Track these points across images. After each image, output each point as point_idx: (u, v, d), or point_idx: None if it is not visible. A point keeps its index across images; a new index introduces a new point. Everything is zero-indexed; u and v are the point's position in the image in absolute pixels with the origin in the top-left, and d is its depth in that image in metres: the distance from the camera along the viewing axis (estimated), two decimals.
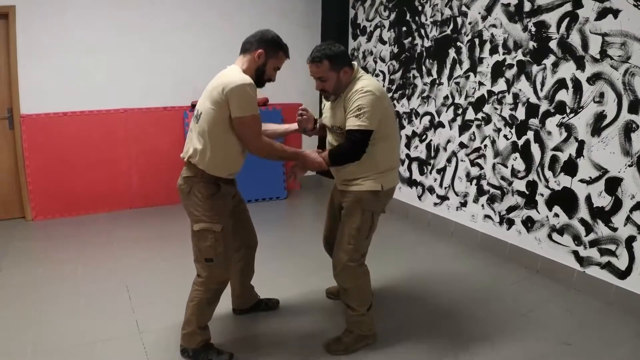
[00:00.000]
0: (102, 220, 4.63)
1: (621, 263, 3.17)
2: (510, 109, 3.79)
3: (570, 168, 3.41)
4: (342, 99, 2.49)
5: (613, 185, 3.16)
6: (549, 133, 3.52)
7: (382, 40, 5.07)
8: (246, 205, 2.78)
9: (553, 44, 3.41)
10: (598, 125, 3.20)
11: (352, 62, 2.50)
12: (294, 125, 2.79)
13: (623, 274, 3.16)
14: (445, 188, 4.50)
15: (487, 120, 4.00)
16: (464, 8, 4.07)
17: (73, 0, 4.37)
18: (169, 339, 2.70)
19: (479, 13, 3.94)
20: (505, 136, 3.87)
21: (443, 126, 4.44)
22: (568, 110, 3.38)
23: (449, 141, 4.41)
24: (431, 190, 4.67)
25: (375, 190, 2.53)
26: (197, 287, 2.47)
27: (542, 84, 3.52)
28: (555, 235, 3.57)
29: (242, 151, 2.44)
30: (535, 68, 3.56)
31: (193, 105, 4.91)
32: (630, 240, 3.10)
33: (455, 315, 3.08)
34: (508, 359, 2.64)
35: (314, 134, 2.88)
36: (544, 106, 3.53)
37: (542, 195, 3.63)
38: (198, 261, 2.45)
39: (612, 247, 3.20)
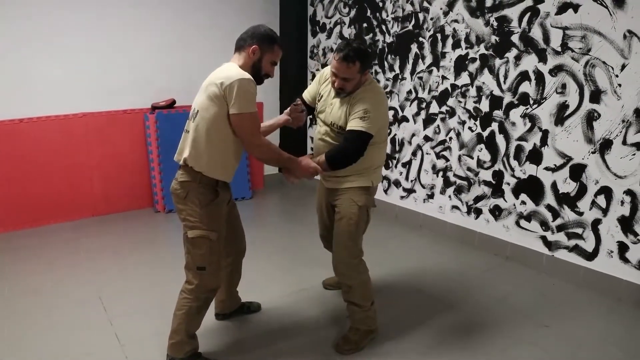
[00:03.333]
0: (66, 230, 4.41)
1: (588, 245, 3.33)
2: (474, 102, 3.89)
3: (535, 157, 3.54)
4: (348, 99, 2.48)
5: (577, 171, 3.32)
6: (513, 124, 3.65)
7: (342, 37, 5.08)
8: (238, 210, 2.71)
9: (515, 38, 3.53)
10: (561, 115, 3.35)
11: None
12: (280, 119, 2.76)
13: (590, 256, 3.33)
14: (412, 181, 4.58)
15: (452, 113, 4.10)
16: (425, 4, 4.14)
17: (24, 1, 4.12)
18: (152, 350, 2.61)
19: (441, 9, 4.02)
20: (470, 128, 3.97)
21: (407, 120, 4.52)
22: (531, 102, 3.51)
23: (413, 135, 4.48)
24: (397, 183, 4.73)
25: (366, 186, 2.60)
26: (186, 295, 2.39)
27: (505, 77, 3.64)
28: (523, 222, 3.70)
29: (239, 150, 2.37)
30: (498, 61, 3.67)
31: (154, 107, 4.77)
32: (595, 223, 3.27)
33: (435, 307, 3.13)
34: (494, 344, 2.72)
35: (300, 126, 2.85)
36: (508, 98, 3.66)
37: (508, 184, 3.76)
38: (189, 268, 2.37)
39: (579, 230, 3.36)
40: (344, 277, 2.61)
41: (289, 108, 2.72)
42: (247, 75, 2.20)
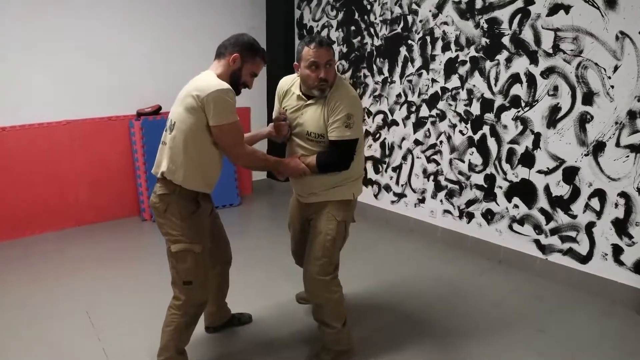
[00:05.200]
0: (51, 240, 4.28)
1: (582, 248, 3.31)
2: (465, 105, 3.85)
3: (528, 160, 3.51)
4: (322, 103, 2.34)
5: (570, 174, 3.29)
6: (505, 127, 3.61)
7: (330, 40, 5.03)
8: (221, 220, 2.62)
9: (506, 40, 3.50)
10: (553, 118, 3.32)
11: None
12: (264, 131, 2.62)
13: (584, 259, 3.30)
14: (402, 185, 4.53)
15: (442, 116, 4.05)
16: (414, 6, 4.10)
17: (4, 3, 3.99)
18: None
19: (430, 11, 3.98)
20: (460, 131, 3.93)
21: (397, 124, 4.47)
22: (523, 104, 3.48)
23: (403, 139, 4.43)
24: (387, 188, 4.68)
25: (347, 199, 2.47)
26: (174, 311, 2.30)
27: (496, 79, 3.61)
28: (515, 226, 3.67)
29: (220, 161, 2.30)
30: (488, 64, 3.64)
31: (139, 114, 4.67)
32: (589, 226, 3.25)
33: (430, 314, 3.08)
34: (490, 350, 2.68)
35: (285, 140, 2.62)
36: (499, 101, 3.62)
37: (500, 187, 3.72)
38: (175, 284, 2.28)
39: (573, 233, 3.34)
40: (313, 296, 2.46)
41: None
42: (225, 85, 2.12)
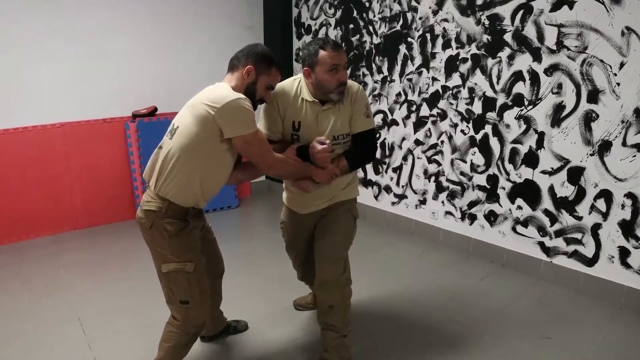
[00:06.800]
0: (45, 245, 4.21)
1: (588, 251, 3.21)
2: (467, 104, 3.76)
3: (531, 160, 3.42)
4: (343, 101, 2.28)
5: (575, 174, 3.19)
6: (508, 126, 3.52)
7: None
8: (214, 234, 2.49)
9: (508, 37, 3.40)
10: (557, 116, 3.23)
11: None
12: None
13: (590, 262, 3.21)
14: (403, 186, 4.44)
15: (443, 115, 3.96)
16: (413, 3, 4.00)
17: None
18: None
19: (430, 8, 3.88)
20: (462, 131, 3.84)
21: (397, 124, 4.37)
22: (526, 103, 3.38)
23: (403, 139, 4.34)
24: (388, 189, 4.59)
25: (356, 197, 2.49)
26: (173, 329, 2.19)
27: (498, 77, 3.51)
28: (519, 228, 3.57)
29: (223, 174, 2.15)
30: (490, 61, 3.54)
31: (134, 115, 4.59)
32: (595, 227, 3.15)
33: (431, 320, 2.98)
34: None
35: None
36: (501, 99, 3.53)
37: (503, 188, 3.63)
38: (172, 303, 2.16)
39: (578, 235, 3.24)
40: (328, 295, 2.36)
41: (314, 148, 2.23)
42: (241, 95, 1.99)
